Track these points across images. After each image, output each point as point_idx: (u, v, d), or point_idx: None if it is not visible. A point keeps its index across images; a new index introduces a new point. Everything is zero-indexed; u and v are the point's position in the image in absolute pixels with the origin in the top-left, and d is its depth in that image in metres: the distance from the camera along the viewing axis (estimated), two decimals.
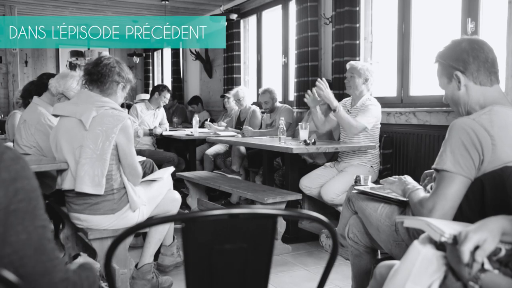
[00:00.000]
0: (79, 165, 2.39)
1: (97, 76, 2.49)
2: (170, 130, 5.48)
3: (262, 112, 5.25)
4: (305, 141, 3.44)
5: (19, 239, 0.91)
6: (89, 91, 2.52)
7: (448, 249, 1.21)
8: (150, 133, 5.22)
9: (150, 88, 8.07)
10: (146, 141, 5.26)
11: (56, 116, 2.67)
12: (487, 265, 1.16)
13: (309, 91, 3.68)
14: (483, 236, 1.14)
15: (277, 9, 5.72)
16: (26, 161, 0.98)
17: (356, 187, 2.18)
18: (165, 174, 2.82)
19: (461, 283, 1.17)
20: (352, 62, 3.77)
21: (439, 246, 1.25)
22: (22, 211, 0.92)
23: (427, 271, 1.20)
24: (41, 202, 0.97)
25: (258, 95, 6.04)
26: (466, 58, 1.61)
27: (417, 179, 2.09)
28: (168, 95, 5.42)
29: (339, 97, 4.21)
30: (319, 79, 3.54)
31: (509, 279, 1.12)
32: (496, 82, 1.65)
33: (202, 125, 6.01)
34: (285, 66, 5.55)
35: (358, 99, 3.69)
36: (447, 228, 1.22)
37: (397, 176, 1.94)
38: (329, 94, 3.48)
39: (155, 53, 10.00)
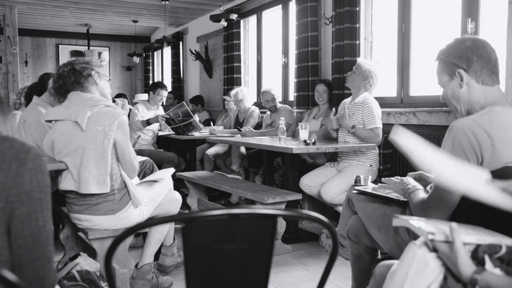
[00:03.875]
0: (82, 167, 2.39)
1: (71, 84, 2.50)
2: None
3: (263, 112, 5.25)
4: (305, 141, 3.44)
5: (38, 224, 1.03)
6: (79, 92, 2.50)
7: (440, 249, 1.21)
8: (148, 122, 5.12)
9: None
10: (146, 141, 5.25)
11: (49, 121, 2.66)
12: (488, 263, 1.16)
13: (340, 112, 3.78)
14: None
15: (277, 9, 5.72)
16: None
17: (356, 187, 2.18)
18: (166, 175, 2.82)
19: (461, 285, 1.17)
20: (360, 60, 3.76)
21: (434, 248, 1.25)
22: (43, 201, 1.04)
23: (424, 273, 1.20)
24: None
25: (258, 95, 6.05)
26: (470, 56, 1.60)
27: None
28: (163, 92, 5.34)
29: (339, 97, 4.21)
30: (346, 107, 3.72)
31: (506, 278, 1.12)
32: (497, 83, 1.64)
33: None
34: (285, 66, 5.54)
35: (356, 95, 3.72)
36: (432, 227, 1.22)
37: (398, 177, 1.94)
38: (346, 119, 3.67)
39: (155, 53, 9.98)
